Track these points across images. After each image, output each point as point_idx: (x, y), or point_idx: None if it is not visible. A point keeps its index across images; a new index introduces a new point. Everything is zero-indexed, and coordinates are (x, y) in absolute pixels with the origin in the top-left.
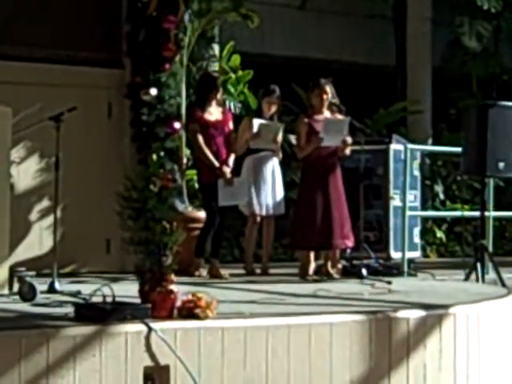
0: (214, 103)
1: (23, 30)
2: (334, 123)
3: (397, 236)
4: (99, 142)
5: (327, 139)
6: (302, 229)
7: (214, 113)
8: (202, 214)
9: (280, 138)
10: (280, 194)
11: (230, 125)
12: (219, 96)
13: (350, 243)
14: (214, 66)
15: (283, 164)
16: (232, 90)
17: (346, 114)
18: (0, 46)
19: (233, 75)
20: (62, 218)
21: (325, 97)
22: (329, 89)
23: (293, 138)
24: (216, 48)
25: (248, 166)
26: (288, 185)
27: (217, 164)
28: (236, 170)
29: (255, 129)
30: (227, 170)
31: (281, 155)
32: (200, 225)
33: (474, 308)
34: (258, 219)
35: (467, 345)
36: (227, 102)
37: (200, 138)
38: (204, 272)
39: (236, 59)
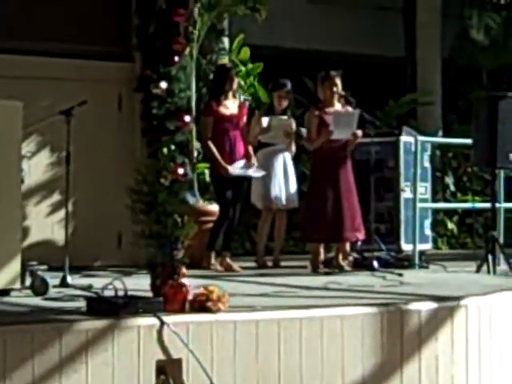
0: (230, 96)
1: (34, 25)
2: (343, 116)
3: (408, 228)
4: (110, 135)
5: (337, 132)
6: (313, 221)
7: (229, 106)
8: (213, 208)
9: (292, 132)
10: (293, 187)
11: (245, 118)
12: (235, 87)
13: (360, 236)
14: (224, 59)
15: (294, 157)
16: (242, 83)
17: (355, 107)
18: (10, 40)
19: (243, 68)
20: (74, 212)
21: (335, 89)
22: (339, 81)
23: (304, 131)
24: (226, 41)
25: (260, 160)
26: (299, 178)
27: (223, 164)
28: None
29: (265, 124)
30: (255, 163)
31: (293, 149)
32: (211, 218)
33: (485, 300)
34: (271, 212)
35: (479, 336)
36: (237, 95)
37: (209, 134)
38: (217, 265)
39: (246, 52)
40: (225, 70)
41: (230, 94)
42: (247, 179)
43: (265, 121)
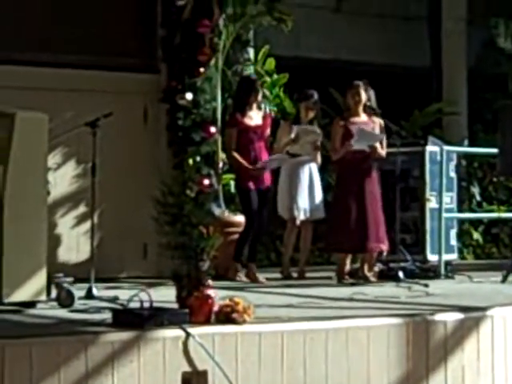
0: (254, 107)
1: (60, 37)
2: (367, 135)
3: (433, 238)
4: (135, 147)
5: (358, 145)
6: (336, 231)
7: (254, 117)
8: (238, 219)
9: (319, 143)
10: (318, 198)
11: (269, 129)
12: (259, 98)
13: (384, 247)
14: (249, 70)
15: (320, 167)
16: (267, 93)
17: (381, 117)
18: (38, 52)
19: (268, 79)
20: (99, 224)
21: (357, 98)
22: (363, 91)
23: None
24: (251, 52)
25: (286, 171)
26: (325, 188)
27: (248, 165)
28: (274, 175)
29: (293, 134)
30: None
31: (319, 160)
32: (237, 229)
33: (511, 310)
34: (298, 223)
35: (505, 347)
36: (262, 106)
37: (233, 145)
38: (243, 276)
39: (271, 63)
40: (250, 81)
41: (255, 105)
42: (272, 191)
43: (293, 131)
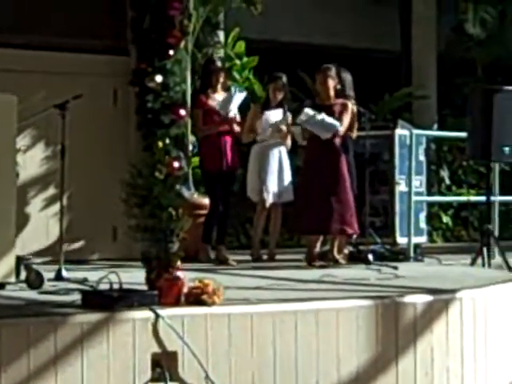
0: (219, 88)
1: (29, 19)
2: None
3: (403, 221)
4: (105, 129)
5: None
6: (301, 214)
7: (218, 99)
8: (207, 201)
9: (283, 127)
10: (288, 180)
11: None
12: (221, 80)
13: (349, 229)
14: (219, 53)
15: (291, 151)
16: (237, 76)
17: (356, 101)
18: (6, 34)
19: (238, 62)
20: (69, 206)
21: (330, 82)
22: (333, 75)
23: (296, 130)
24: (221, 35)
25: (255, 154)
26: (294, 171)
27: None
28: (243, 158)
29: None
30: None
31: (289, 143)
32: (206, 211)
33: (480, 292)
34: (267, 206)
35: (474, 329)
36: (232, 88)
37: (200, 125)
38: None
39: (241, 46)
40: (209, 62)
41: (219, 86)
42: (236, 174)
43: (263, 121)
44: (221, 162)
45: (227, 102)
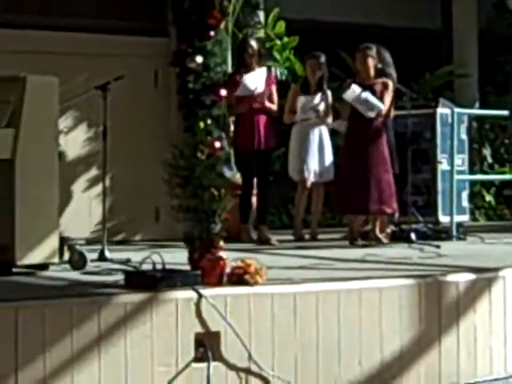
0: (254, 67)
1: (69, 1)
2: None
3: (445, 200)
4: (146, 110)
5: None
6: (340, 193)
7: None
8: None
9: (322, 107)
10: (329, 160)
11: (273, 89)
12: (254, 60)
13: (388, 209)
14: (260, 33)
15: (331, 130)
16: (278, 56)
17: (397, 81)
18: (47, 16)
19: (278, 42)
20: (111, 187)
21: (369, 62)
22: (373, 54)
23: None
24: (261, 15)
25: (296, 133)
26: (335, 151)
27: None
28: (284, 138)
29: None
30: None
31: (330, 122)
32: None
33: None
34: (308, 185)
35: None
36: (273, 69)
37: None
38: (255, 238)
39: (281, 26)
40: (243, 42)
41: (254, 65)
42: (271, 153)
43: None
44: (252, 141)
45: (247, 84)
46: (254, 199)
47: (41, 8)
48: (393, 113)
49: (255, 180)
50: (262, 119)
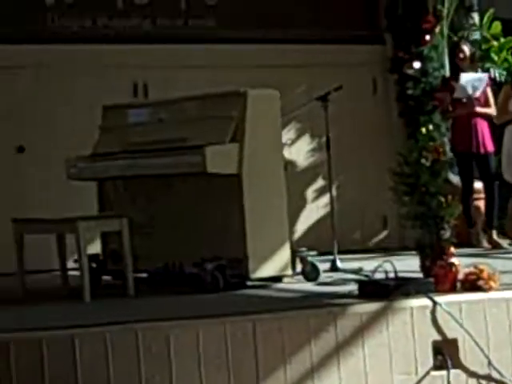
0: (468, 71)
1: (287, 13)
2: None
3: None
4: (366, 118)
5: None
6: None
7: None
8: (476, 185)
9: None
10: None
11: (488, 93)
12: (465, 61)
13: None
14: (475, 35)
15: None
16: (495, 58)
17: None
18: (266, 30)
19: (495, 43)
20: (338, 197)
21: None
22: None
23: None
24: (475, 16)
25: (509, 135)
26: None
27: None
28: (498, 139)
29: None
30: None
31: None
32: (476, 196)
33: None
34: None
35: None
36: (491, 70)
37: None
38: (485, 242)
39: (497, 26)
40: (455, 46)
41: (467, 69)
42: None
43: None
44: (470, 143)
45: (465, 87)
46: (481, 203)
47: (259, 21)
48: None
49: (481, 184)
50: (480, 122)
